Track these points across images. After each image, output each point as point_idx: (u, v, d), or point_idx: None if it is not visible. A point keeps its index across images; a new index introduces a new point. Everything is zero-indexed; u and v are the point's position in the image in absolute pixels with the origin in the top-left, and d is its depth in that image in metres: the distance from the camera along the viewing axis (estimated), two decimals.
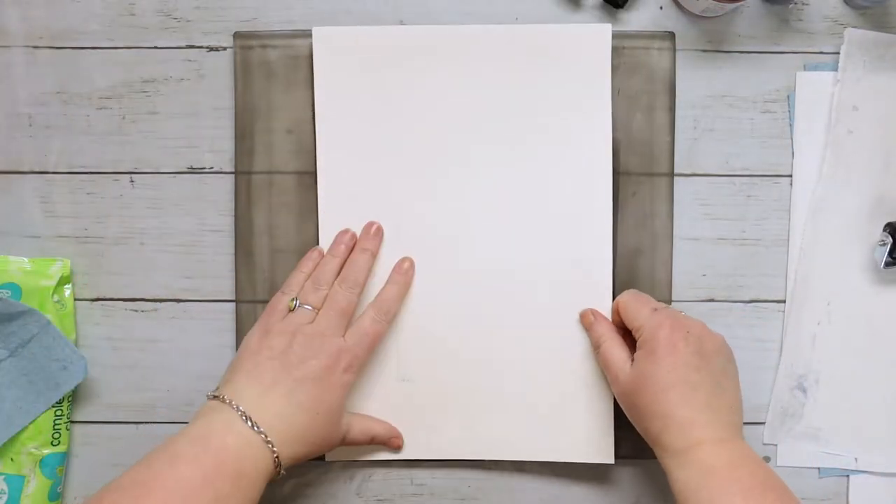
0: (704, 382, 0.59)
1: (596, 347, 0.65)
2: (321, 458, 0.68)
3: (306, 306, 0.63)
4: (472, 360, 0.67)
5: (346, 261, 0.65)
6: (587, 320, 0.66)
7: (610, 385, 0.64)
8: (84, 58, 0.68)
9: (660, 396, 0.59)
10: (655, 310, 0.62)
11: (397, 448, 0.67)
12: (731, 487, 0.55)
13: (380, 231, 0.66)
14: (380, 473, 0.69)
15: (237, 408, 0.58)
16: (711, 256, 0.69)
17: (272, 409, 0.59)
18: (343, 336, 0.63)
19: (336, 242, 0.66)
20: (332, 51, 0.66)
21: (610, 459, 0.67)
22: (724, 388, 0.60)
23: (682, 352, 0.59)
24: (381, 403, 0.67)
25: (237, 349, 0.68)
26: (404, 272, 0.66)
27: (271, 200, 0.68)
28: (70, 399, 0.68)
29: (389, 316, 0.65)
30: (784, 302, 0.69)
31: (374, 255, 0.66)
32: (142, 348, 0.69)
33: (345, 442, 0.64)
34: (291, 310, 0.63)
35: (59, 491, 0.68)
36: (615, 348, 0.63)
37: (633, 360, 0.61)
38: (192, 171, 0.69)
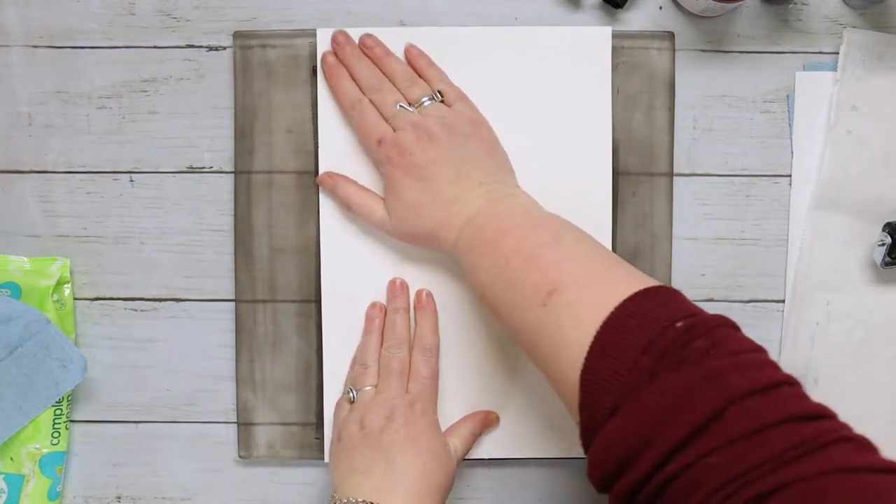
0: (442, 176, 0.60)
1: (349, 206, 0.65)
2: (321, 458, 0.68)
3: (365, 388, 0.64)
4: (473, 360, 0.67)
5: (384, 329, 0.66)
6: (328, 183, 0.65)
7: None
8: (83, 57, 0.68)
9: (416, 217, 0.61)
10: (379, 142, 0.62)
11: (497, 422, 0.67)
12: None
13: (405, 285, 0.66)
14: None
15: (360, 501, 0.57)
16: (711, 256, 0.69)
17: (382, 485, 0.57)
18: (406, 391, 0.63)
19: (368, 320, 0.66)
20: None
21: None
22: (471, 159, 0.61)
23: (411, 177, 0.61)
24: None
25: (237, 349, 0.68)
26: (425, 303, 0.66)
27: (271, 200, 0.68)
28: (69, 398, 0.68)
29: (434, 349, 0.65)
30: (783, 302, 0.69)
31: (408, 310, 0.66)
32: (141, 348, 0.69)
33: (462, 461, 0.64)
34: (352, 402, 0.64)
35: (58, 490, 0.68)
36: (366, 199, 0.64)
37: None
38: (192, 170, 0.69)
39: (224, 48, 0.68)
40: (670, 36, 0.67)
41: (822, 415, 0.45)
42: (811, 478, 0.40)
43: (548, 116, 0.67)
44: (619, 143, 0.68)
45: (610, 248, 0.66)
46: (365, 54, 0.65)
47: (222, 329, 0.69)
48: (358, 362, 0.66)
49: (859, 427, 0.68)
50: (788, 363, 0.69)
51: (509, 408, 0.67)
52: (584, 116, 0.67)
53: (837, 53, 0.68)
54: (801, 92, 0.68)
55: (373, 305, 0.67)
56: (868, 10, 0.68)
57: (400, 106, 0.62)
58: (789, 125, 0.69)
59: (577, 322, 0.50)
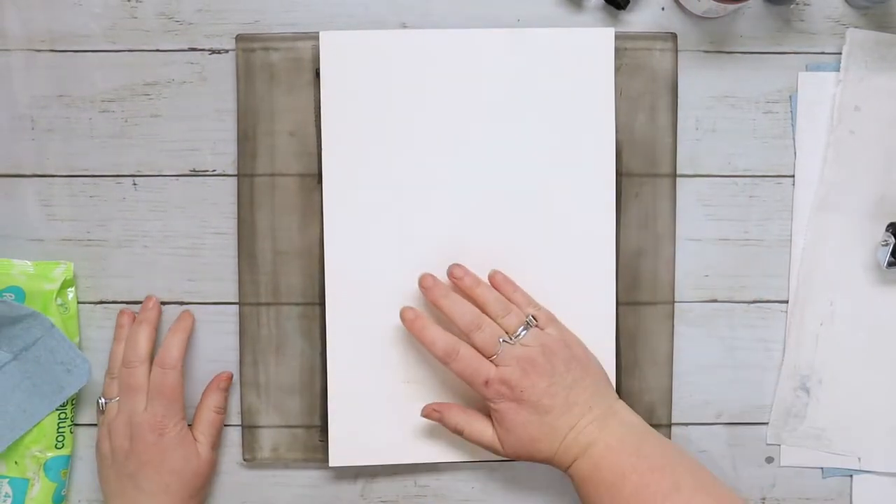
0: (555, 408, 0.61)
1: (460, 433, 0.65)
2: (325, 460, 0.68)
3: (111, 400, 0.66)
4: None
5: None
6: (435, 416, 0.65)
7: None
8: (86, 61, 0.68)
9: (532, 449, 0.62)
10: (486, 383, 0.62)
11: (230, 378, 0.68)
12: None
13: (157, 304, 0.68)
14: (384, 474, 0.69)
15: None
16: (714, 257, 0.69)
17: None
18: (145, 408, 0.64)
19: (118, 326, 0.68)
20: (338, 55, 0.66)
21: None
22: (576, 384, 0.62)
23: (524, 411, 0.61)
24: (386, 405, 0.67)
25: (240, 352, 0.68)
26: (179, 320, 0.67)
27: (274, 203, 0.68)
28: (74, 402, 0.68)
29: (175, 364, 0.65)
30: (787, 302, 0.69)
31: (153, 324, 0.67)
32: None
33: (216, 447, 0.68)
34: (102, 412, 0.66)
35: (63, 494, 0.68)
36: (475, 425, 0.64)
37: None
38: (195, 173, 0.69)
39: (227, 51, 0.68)
40: (673, 37, 0.67)
41: None
42: None
43: (551, 118, 0.67)
44: (622, 144, 0.68)
45: (613, 249, 0.67)
46: (454, 284, 0.65)
47: (226, 332, 0.69)
48: (107, 371, 0.67)
49: (862, 426, 0.69)
50: (792, 364, 0.69)
51: None
52: (587, 118, 0.67)
53: (840, 54, 0.68)
54: (804, 92, 0.68)
55: (121, 313, 0.68)
56: (870, 10, 0.68)
57: (502, 341, 0.62)
58: (792, 126, 0.69)
59: None
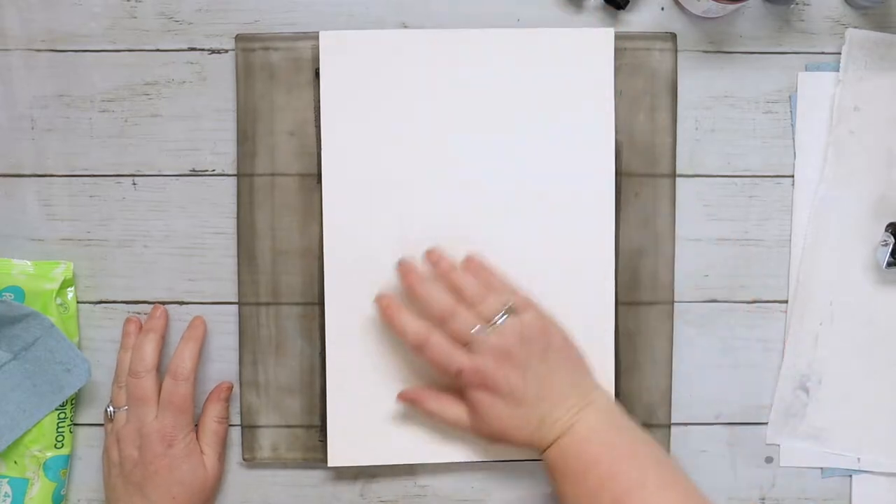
0: (529, 399, 0.61)
1: (435, 419, 0.65)
2: (324, 460, 0.68)
3: (120, 408, 0.66)
4: None
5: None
6: (409, 403, 0.65)
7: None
8: (85, 61, 0.68)
9: (505, 437, 0.62)
10: (459, 372, 0.61)
11: (229, 389, 0.68)
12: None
13: (165, 312, 0.68)
14: (383, 474, 0.69)
15: None
16: (713, 257, 0.69)
17: None
18: (155, 418, 0.64)
19: (124, 335, 0.68)
20: (338, 55, 0.66)
21: None
22: (551, 374, 0.61)
23: (498, 401, 0.61)
24: (385, 405, 0.67)
25: (240, 352, 0.68)
26: (192, 328, 0.67)
27: (273, 202, 0.68)
28: (73, 402, 0.68)
29: (188, 375, 0.65)
30: (786, 302, 0.69)
31: (160, 334, 0.66)
32: None
33: (221, 460, 0.68)
34: (111, 420, 0.66)
35: (62, 494, 0.68)
36: (450, 412, 0.64)
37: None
38: (195, 173, 0.69)
39: (226, 51, 0.68)
40: (672, 37, 0.67)
41: None
42: None
43: (550, 118, 0.67)
44: (622, 144, 0.68)
45: (612, 249, 0.67)
46: (431, 268, 0.64)
47: (225, 332, 0.69)
48: (115, 379, 0.67)
49: (862, 426, 0.69)
50: (791, 363, 0.69)
51: None
52: (586, 118, 0.67)
53: (839, 54, 0.68)
54: (804, 92, 0.68)
55: (128, 320, 0.68)
56: (870, 10, 0.68)
57: (478, 329, 0.61)
58: (792, 125, 0.69)
59: None
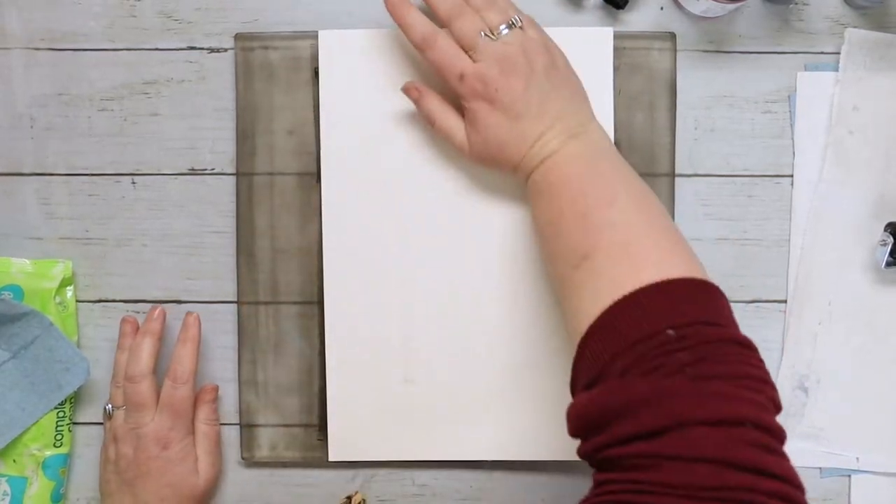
0: (528, 114, 0.58)
1: (431, 123, 0.63)
2: (323, 460, 0.68)
3: (118, 408, 0.66)
4: (475, 362, 0.67)
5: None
6: (414, 95, 0.63)
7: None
8: (85, 59, 0.68)
9: (498, 154, 0.60)
10: (461, 77, 0.59)
11: (215, 389, 0.68)
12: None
13: (162, 314, 0.67)
14: (382, 474, 0.69)
15: None
16: (712, 256, 0.69)
17: None
18: (152, 419, 0.64)
19: (121, 335, 0.67)
20: (337, 54, 0.66)
21: None
22: (552, 92, 0.59)
23: (496, 112, 0.59)
24: (385, 405, 0.67)
25: (239, 351, 0.68)
26: (188, 329, 0.67)
27: (273, 201, 0.68)
28: (72, 400, 0.68)
29: (187, 378, 0.65)
30: (785, 302, 0.69)
31: (157, 336, 0.66)
32: None
33: (217, 466, 0.68)
34: (110, 417, 0.66)
35: (61, 492, 0.68)
36: (448, 120, 0.62)
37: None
38: (194, 172, 0.69)
39: (225, 50, 0.68)
40: (671, 37, 0.67)
41: (764, 470, 0.44)
42: None
43: None
44: (621, 143, 0.68)
45: None
46: None
47: (224, 331, 0.69)
48: (112, 379, 0.67)
49: (861, 426, 0.69)
50: (790, 363, 0.69)
51: (514, 410, 0.67)
52: None
53: (839, 54, 0.68)
54: (803, 92, 0.68)
55: (124, 321, 0.68)
56: (869, 10, 0.68)
57: (483, 34, 0.58)
58: (791, 125, 0.69)
59: (595, 295, 0.51)
